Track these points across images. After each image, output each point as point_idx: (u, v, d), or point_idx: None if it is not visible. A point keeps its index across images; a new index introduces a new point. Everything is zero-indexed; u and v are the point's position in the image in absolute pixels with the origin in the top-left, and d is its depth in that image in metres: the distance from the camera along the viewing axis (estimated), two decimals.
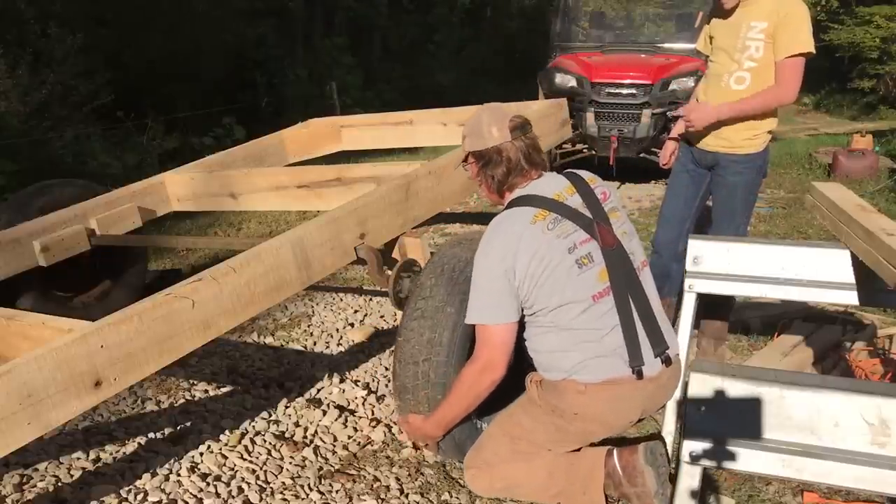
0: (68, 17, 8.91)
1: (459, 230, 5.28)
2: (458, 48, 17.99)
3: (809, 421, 1.43)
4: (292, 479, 2.18)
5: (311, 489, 2.12)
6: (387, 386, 2.82)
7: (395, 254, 2.69)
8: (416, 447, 2.34)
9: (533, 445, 1.96)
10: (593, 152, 6.66)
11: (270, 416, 2.58)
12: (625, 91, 6.36)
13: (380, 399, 2.69)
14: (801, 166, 7.49)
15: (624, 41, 7.43)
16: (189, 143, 9.29)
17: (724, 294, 2.39)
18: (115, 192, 3.34)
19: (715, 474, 2.10)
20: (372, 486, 2.14)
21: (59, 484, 2.15)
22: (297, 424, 2.51)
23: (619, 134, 6.36)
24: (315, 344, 3.30)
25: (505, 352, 1.85)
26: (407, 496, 2.10)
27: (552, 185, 1.95)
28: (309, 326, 3.51)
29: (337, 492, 2.11)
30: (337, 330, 3.46)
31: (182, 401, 2.73)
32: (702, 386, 1.51)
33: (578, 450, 1.99)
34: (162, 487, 2.12)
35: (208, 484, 2.14)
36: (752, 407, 1.47)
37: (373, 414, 2.58)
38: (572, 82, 6.56)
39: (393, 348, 2.21)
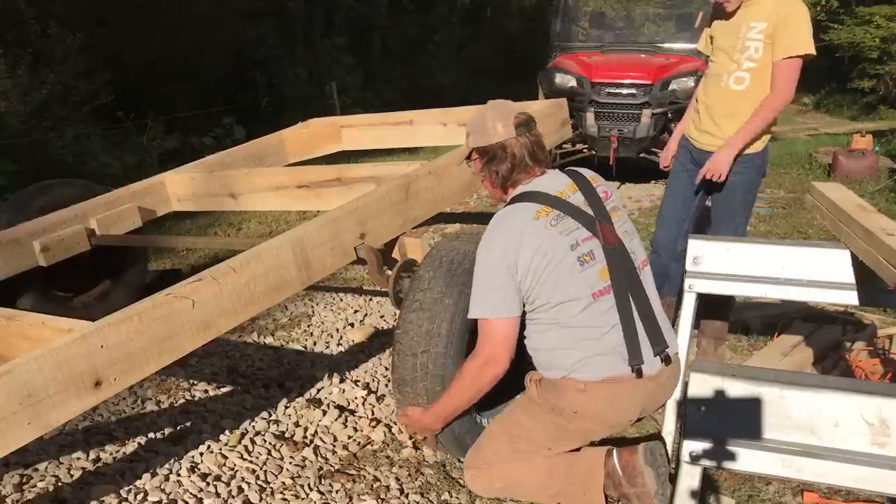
0: (68, 17, 8.91)
1: (459, 230, 5.28)
2: (458, 48, 17.99)
3: (809, 421, 1.43)
4: (292, 479, 2.18)
5: (311, 489, 2.12)
6: (387, 386, 2.82)
7: (395, 254, 2.69)
8: (416, 447, 2.34)
9: (532, 444, 1.96)
10: (593, 152, 6.66)
11: (270, 416, 2.58)
12: (625, 91, 6.36)
13: (380, 399, 2.69)
14: (801, 166, 7.49)
15: (624, 41, 7.43)
16: (189, 143, 9.29)
17: (724, 294, 2.39)
18: (115, 192, 3.34)
19: (715, 474, 2.10)
20: (372, 486, 2.14)
21: (59, 484, 2.15)
22: (297, 424, 2.51)
23: (619, 134, 6.36)
24: (315, 344, 3.30)
25: (508, 346, 1.86)
26: (407, 496, 2.10)
27: (555, 182, 1.95)
28: (309, 326, 3.51)
29: (337, 492, 2.11)
30: (337, 330, 3.46)
31: (182, 401, 2.73)
32: (702, 386, 1.50)
33: (578, 450, 1.99)
34: (162, 487, 2.12)
35: (208, 484, 2.14)
36: (752, 407, 1.47)
37: (373, 414, 2.58)
38: (572, 82, 6.56)
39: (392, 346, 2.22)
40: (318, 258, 2.30)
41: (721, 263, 2.19)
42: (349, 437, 2.43)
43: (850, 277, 2.07)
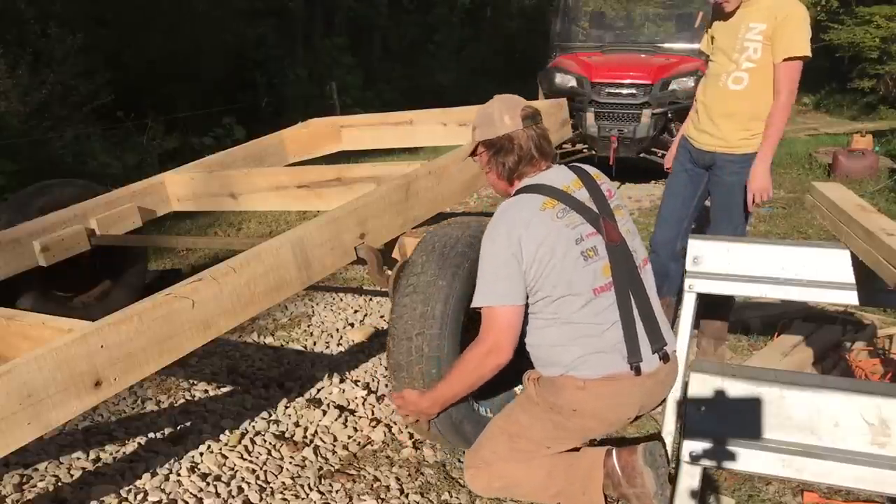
0: (68, 17, 8.91)
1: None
2: (458, 48, 17.98)
3: (809, 421, 1.43)
4: (292, 479, 2.18)
5: (311, 489, 2.12)
6: (387, 386, 2.82)
7: (395, 254, 2.69)
8: (415, 447, 2.34)
9: (531, 443, 1.96)
10: (593, 152, 6.66)
11: (270, 416, 2.58)
12: (625, 91, 6.36)
13: (380, 399, 2.69)
14: (801, 166, 7.49)
15: (624, 41, 7.42)
16: (189, 143, 9.29)
17: (724, 294, 2.39)
18: (115, 192, 3.34)
19: (715, 474, 2.10)
20: (372, 486, 2.14)
21: (59, 484, 2.16)
22: (297, 424, 2.51)
23: (619, 134, 6.36)
24: (315, 344, 3.30)
25: (512, 335, 1.85)
26: (407, 496, 2.10)
27: (560, 176, 1.96)
28: (309, 326, 3.51)
29: (337, 492, 2.11)
30: (337, 330, 3.46)
31: (182, 401, 2.73)
32: (702, 386, 1.50)
33: (577, 450, 1.99)
34: (162, 487, 2.12)
35: (208, 484, 2.14)
36: (752, 407, 1.47)
37: (373, 414, 2.58)
38: (572, 82, 6.55)
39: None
40: (318, 258, 2.30)
41: (721, 263, 2.19)
42: (349, 437, 2.43)
43: (850, 277, 2.07)
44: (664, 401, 2.09)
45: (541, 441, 1.95)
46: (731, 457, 1.47)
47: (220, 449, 2.33)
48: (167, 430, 2.48)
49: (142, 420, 2.58)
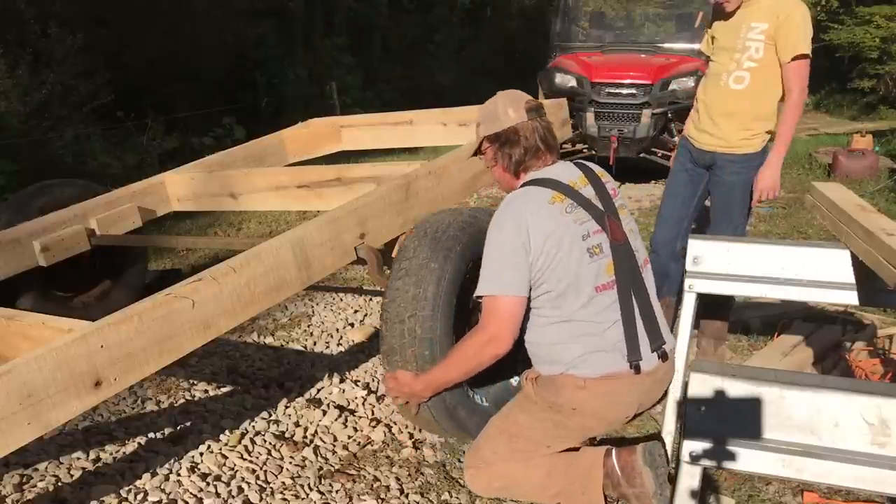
0: (68, 17, 8.91)
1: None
2: (458, 48, 17.99)
3: (809, 421, 1.43)
4: (292, 479, 2.18)
5: (311, 489, 2.12)
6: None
7: (395, 254, 2.69)
8: (415, 447, 2.34)
9: (531, 443, 1.96)
10: (593, 152, 6.66)
11: (270, 416, 2.58)
12: (625, 91, 6.35)
13: (380, 399, 2.69)
14: (801, 166, 7.49)
15: (624, 41, 7.42)
16: (189, 143, 9.29)
17: (724, 294, 2.40)
18: (115, 192, 3.33)
19: (715, 474, 2.10)
20: (372, 486, 2.14)
21: (59, 484, 2.15)
22: (297, 424, 2.51)
23: (619, 134, 6.36)
24: (315, 344, 3.30)
25: (513, 326, 1.85)
26: (407, 496, 2.10)
27: (567, 172, 1.97)
28: (309, 326, 3.51)
29: (337, 492, 2.11)
30: (337, 330, 3.46)
31: (182, 401, 2.73)
32: (702, 386, 1.50)
33: (577, 449, 1.99)
34: (162, 487, 2.12)
35: (208, 484, 2.14)
36: (752, 407, 1.47)
37: (373, 414, 2.58)
38: (572, 82, 6.55)
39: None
40: (318, 258, 2.30)
41: (721, 263, 2.19)
42: (349, 437, 2.43)
43: (850, 277, 2.07)
44: (662, 400, 2.09)
45: (540, 440, 1.95)
46: (731, 457, 1.47)
47: (220, 449, 2.33)
48: (167, 430, 2.48)
49: (142, 420, 2.58)
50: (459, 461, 2.24)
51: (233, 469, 2.23)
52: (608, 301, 1.85)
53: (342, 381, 2.84)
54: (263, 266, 2.12)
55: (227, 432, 2.44)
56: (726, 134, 2.77)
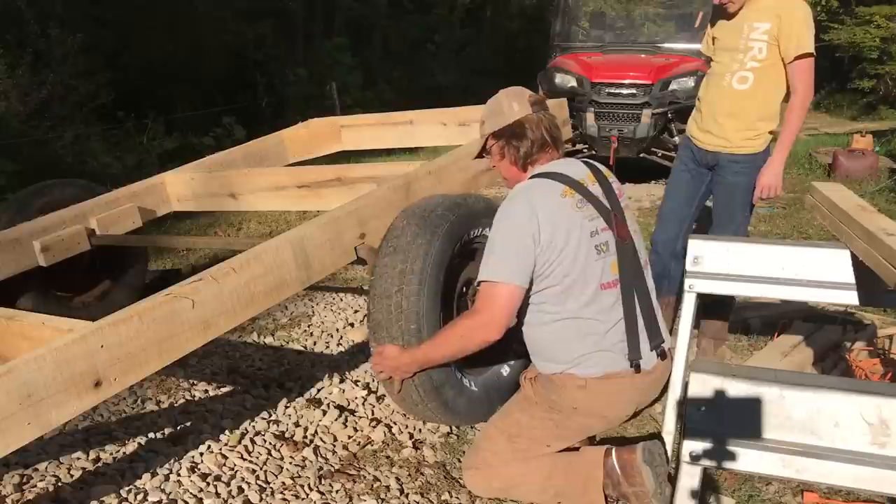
0: (68, 18, 8.92)
1: None
2: (458, 48, 17.98)
3: (809, 421, 1.43)
4: (292, 479, 2.18)
5: (311, 489, 2.12)
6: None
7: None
8: (415, 447, 2.34)
9: (531, 443, 1.96)
10: (593, 152, 6.66)
11: (270, 416, 2.58)
12: (625, 91, 6.35)
13: (380, 399, 2.69)
14: (801, 166, 7.48)
15: (624, 41, 7.43)
16: (189, 143, 9.29)
17: (724, 294, 2.40)
18: (115, 192, 3.34)
19: (715, 474, 2.10)
20: (372, 486, 2.14)
21: (59, 484, 2.15)
22: (297, 424, 2.51)
23: (619, 134, 6.36)
24: (315, 344, 3.30)
25: (507, 314, 1.84)
26: (407, 496, 2.09)
27: (575, 169, 1.97)
28: (309, 326, 3.51)
29: (337, 492, 2.11)
30: (337, 330, 3.46)
31: (182, 401, 2.73)
32: (702, 386, 1.50)
33: (577, 449, 1.99)
34: (162, 487, 2.12)
35: (208, 484, 2.14)
36: (752, 407, 1.47)
37: (373, 414, 2.58)
38: (572, 82, 6.55)
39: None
40: (318, 258, 2.30)
41: (721, 263, 2.19)
42: (349, 437, 2.43)
43: (850, 277, 2.06)
44: (661, 399, 2.09)
45: (541, 440, 1.96)
46: (731, 457, 1.47)
47: (220, 449, 2.33)
48: (167, 430, 2.48)
49: (142, 420, 2.58)
50: (459, 461, 2.24)
51: (233, 469, 2.23)
52: (611, 299, 1.86)
53: (342, 381, 2.84)
54: (263, 266, 2.12)
55: (227, 432, 2.44)
56: (729, 134, 2.76)
